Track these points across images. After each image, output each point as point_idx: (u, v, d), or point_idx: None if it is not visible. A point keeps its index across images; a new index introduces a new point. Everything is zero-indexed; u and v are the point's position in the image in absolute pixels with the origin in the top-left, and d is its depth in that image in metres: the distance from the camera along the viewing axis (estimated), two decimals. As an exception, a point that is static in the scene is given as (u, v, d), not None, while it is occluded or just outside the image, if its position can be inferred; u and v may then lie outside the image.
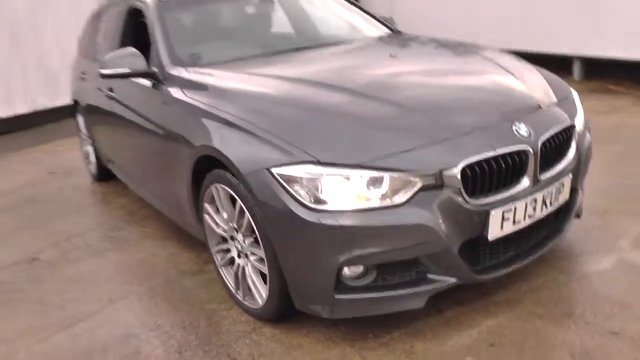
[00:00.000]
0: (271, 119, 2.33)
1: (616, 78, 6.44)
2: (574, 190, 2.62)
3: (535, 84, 2.69)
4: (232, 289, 2.71)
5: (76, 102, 4.81)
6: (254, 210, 2.27)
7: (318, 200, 2.08)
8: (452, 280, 2.22)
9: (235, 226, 2.51)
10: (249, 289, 2.59)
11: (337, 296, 2.16)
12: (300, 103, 2.42)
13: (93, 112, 4.25)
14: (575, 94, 2.89)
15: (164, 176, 3.09)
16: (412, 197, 2.08)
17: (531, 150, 2.27)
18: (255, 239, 2.43)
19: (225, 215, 2.56)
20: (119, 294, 2.95)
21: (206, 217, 2.73)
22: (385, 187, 2.07)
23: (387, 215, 2.08)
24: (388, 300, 2.19)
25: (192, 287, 2.94)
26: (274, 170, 2.15)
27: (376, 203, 2.08)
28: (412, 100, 2.39)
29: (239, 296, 2.65)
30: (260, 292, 2.46)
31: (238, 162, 2.26)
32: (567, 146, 2.54)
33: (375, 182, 2.07)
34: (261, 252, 2.34)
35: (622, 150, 4.27)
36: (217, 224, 2.68)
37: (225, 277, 2.76)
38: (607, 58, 6.39)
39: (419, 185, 2.08)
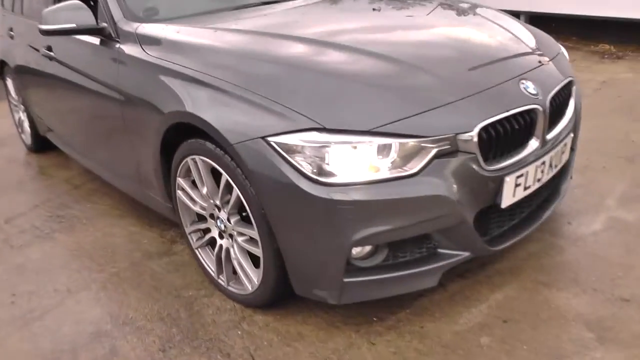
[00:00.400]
0: (260, 79, 2.01)
1: (565, 34, 6.46)
2: (571, 150, 2.51)
3: (531, 42, 2.51)
4: (212, 273, 2.43)
5: (3, 63, 4.21)
6: (245, 185, 1.98)
7: (323, 173, 1.82)
8: (466, 254, 2.05)
9: (218, 203, 2.21)
10: (234, 273, 2.32)
11: (345, 279, 1.93)
12: (290, 61, 2.11)
13: (26, 74, 3.71)
14: (564, 51, 2.75)
15: (121, 146, 2.71)
16: (426, 166, 1.86)
17: (540, 109, 2.10)
18: (244, 217, 2.15)
19: (204, 191, 2.25)
20: (79, 283, 2.60)
21: (179, 193, 2.41)
22: (396, 155, 1.84)
23: (401, 186, 1.85)
24: (400, 281, 1.99)
25: (162, 272, 2.62)
26: (272, 140, 1.86)
27: (389, 174, 1.85)
28: (414, 58, 2.15)
29: (222, 281, 2.37)
30: (250, 277, 2.20)
31: (226, 130, 1.95)
32: (566, 104, 2.40)
33: (386, 150, 1.83)
34: (252, 232, 2.07)
35: (588, 104, 4.25)
36: (193, 200, 2.37)
37: (204, 259, 2.47)
38: (553, 14, 6.47)
39: (433, 151, 1.86)
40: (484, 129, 1.94)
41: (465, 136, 1.90)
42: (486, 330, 2.09)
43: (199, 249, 2.48)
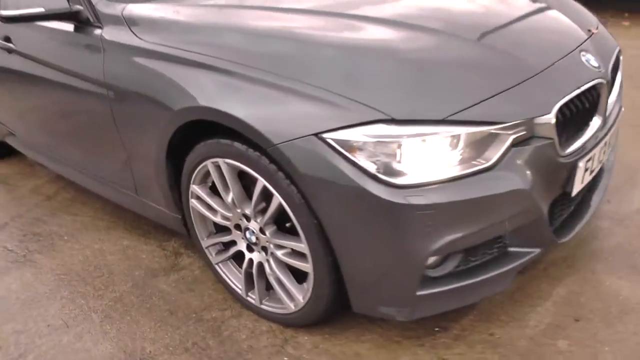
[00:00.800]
0: (304, 65, 1.68)
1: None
2: (615, 123, 2.33)
3: (576, 14, 2.29)
4: (238, 290, 2.11)
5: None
6: (290, 192, 1.67)
7: (392, 172, 1.54)
8: (537, 250, 1.82)
9: (248, 212, 1.88)
10: (267, 290, 2.02)
11: (419, 293, 1.66)
12: (334, 42, 1.78)
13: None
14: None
15: (109, 149, 2.31)
16: (502, 157, 1.61)
17: (604, 83, 1.89)
18: (282, 228, 1.84)
19: (229, 199, 1.92)
20: (76, 314, 2.21)
21: (194, 202, 2.06)
22: (471, 146, 1.58)
23: (480, 183, 1.59)
24: (473, 288, 1.74)
25: (174, 292, 2.27)
26: (328, 136, 1.55)
27: (465, 169, 1.58)
28: (473, 33, 1.87)
29: (252, 299, 2.06)
30: (293, 294, 1.89)
31: (266, 129, 1.62)
32: (615, 74, 2.20)
33: (460, 141, 1.57)
34: (297, 245, 1.76)
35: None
36: (212, 210, 2.03)
37: (227, 276, 2.14)
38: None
39: (509, 139, 1.61)
40: (559, 109, 1.70)
41: (544, 119, 1.66)
42: (560, 332, 1.89)
43: (220, 265, 2.15)
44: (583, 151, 1.83)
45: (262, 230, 1.89)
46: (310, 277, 1.79)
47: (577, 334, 1.87)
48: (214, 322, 2.08)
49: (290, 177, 1.66)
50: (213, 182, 1.98)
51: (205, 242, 2.14)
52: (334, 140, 1.55)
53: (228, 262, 2.14)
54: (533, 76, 1.73)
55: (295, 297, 1.89)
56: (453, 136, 1.55)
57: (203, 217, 2.11)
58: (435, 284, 1.68)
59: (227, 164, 1.82)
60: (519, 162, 1.63)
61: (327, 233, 1.64)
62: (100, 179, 2.55)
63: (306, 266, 1.79)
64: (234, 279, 2.13)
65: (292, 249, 1.85)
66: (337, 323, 1.98)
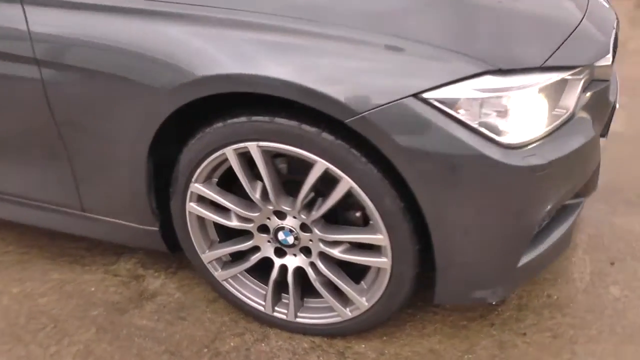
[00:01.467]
0: (383, 14, 1.32)
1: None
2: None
3: None
4: (259, 307, 1.68)
5: None
6: (367, 172, 1.32)
7: (502, 131, 1.29)
8: (582, 200, 1.72)
9: (287, 208, 1.48)
10: (301, 299, 1.65)
11: (520, 264, 1.45)
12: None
13: None
14: None
15: (39, 156, 1.68)
16: (577, 103, 1.46)
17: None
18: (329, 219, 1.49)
19: (258, 194, 1.48)
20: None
21: (194, 207, 1.57)
22: (556, 95, 1.39)
23: (571, 133, 1.42)
24: (554, 247, 1.57)
25: (159, 325, 1.75)
26: (430, 96, 1.23)
27: (555, 120, 1.40)
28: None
29: (283, 314, 1.66)
30: (353, 297, 1.54)
31: (347, 95, 1.24)
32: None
33: (559, 88, 1.38)
34: (370, 237, 1.43)
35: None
36: (224, 212, 1.57)
37: (241, 292, 1.70)
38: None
39: (580, 84, 1.45)
40: None
41: (604, 60, 1.54)
42: (605, 278, 1.85)
43: (230, 280, 1.69)
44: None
45: (303, 228, 1.51)
46: (387, 274, 1.47)
47: (621, 277, 1.85)
48: (237, 352, 1.64)
49: (368, 153, 1.31)
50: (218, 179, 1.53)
51: (206, 256, 1.66)
52: (437, 100, 1.24)
53: (239, 275, 1.69)
54: (580, 23, 1.60)
55: (357, 301, 1.55)
56: (552, 84, 1.34)
57: (203, 225, 1.64)
58: (532, 251, 1.49)
59: (262, 147, 1.39)
60: (587, 108, 1.50)
61: (425, 214, 1.33)
62: (15, 197, 1.85)
63: (378, 261, 1.46)
64: (251, 294, 1.69)
65: (350, 245, 1.50)
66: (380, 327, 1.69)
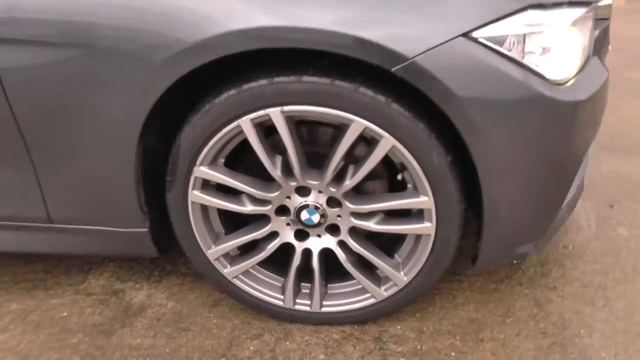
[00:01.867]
0: None
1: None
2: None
3: None
4: (277, 302, 1.49)
5: None
6: (413, 127, 1.18)
7: (544, 67, 1.20)
8: None
9: (314, 182, 1.30)
10: (324, 285, 1.48)
11: (561, 210, 1.39)
12: None
13: None
14: None
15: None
16: (592, 40, 1.43)
17: None
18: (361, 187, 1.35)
19: (278, 170, 1.29)
20: None
21: (199, 195, 1.35)
22: (587, 30, 1.35)
23: (594, 71, 1.38)
24: (576, 195, 1.52)
25: (159, 342, 1.49)
26: (479, 35, 1.12)
27: (587, 55, 1.35)
28: None
29: (306, 305, 1.48)
30: (391, 274, 1.40)
31: (392, 39, 1.09)
32: None
33: (583, 24, 1.32)
34: (412, 201, 1.29)
35: None
36: (236, 199, 1.37)
37: (254, 289, 1.49)
38: None
39: (592, 21, 1.42)
40: None
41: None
42: (610, 221, 1.86)
43: (242, 277, 1.48)
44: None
45: (329, 203, 1.34)
46: (426, 242, 1.33)
47: (623, 217, 1.87)
48: (260, 355, 1.44)
49: (410, 107, 1.18)
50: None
51: (213, 252, 1.44)
52: (486, 38, 1.13)
53: (251, 269, 1.48)
54: None
55: (394, 277, 1.40)
56: (580, 19, 1.28)
57: (207, 217, 1.42)
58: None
59: (286, 113, 1.20)
60: (596, 45, 1.47)
61: (477, 163, 1.21)
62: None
63: (421, 227, 1.32)
64: (267, 289, 1.49)
65: (384, 215, 1.36)
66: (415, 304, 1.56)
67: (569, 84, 1.24)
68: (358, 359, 1.41)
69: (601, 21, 1.53)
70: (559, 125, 1.22)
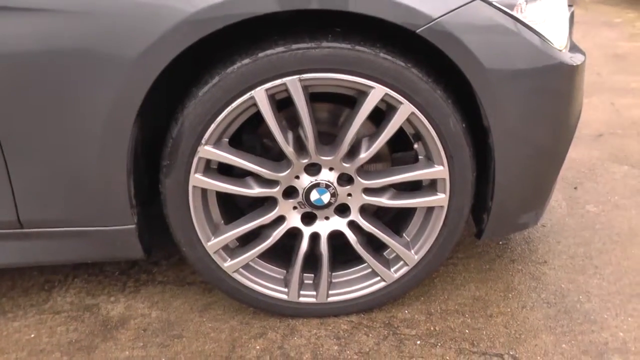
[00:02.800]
0: None
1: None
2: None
3: None
4: (280, 295, 1.39)
5: None
6: (430, 92, 1.18)
7: (549, 34, 1.26)
8: None
9: (325, 157, 1.25)
10: (333, 271, 1.41)
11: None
12: None
13: None
14: None
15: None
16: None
17: None
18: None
19: (290, 146, 1.22)
20: None
21: (200, 179, 1.24)
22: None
23: (577, 47, 1.48)
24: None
25: (153, 351, 1.34)
26: (495, -2, 1.15)
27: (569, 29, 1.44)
28: None
29: (311, 297, 1.40)
30: (403, 253, 1.36)
31: (415, 1, 1.08)
32: None
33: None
34: (427, 171, 1.28)
35: None
36: (242, 182, 1.28)
37: (255, 282, 1.39)
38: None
39: None
40: None
41: None
42: (578, 201, 1.95)
43: (242, 270, 1.37)
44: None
45: (340, 181, 1.29)
46: (438, 215, 1.32)
47: (589, 197, 1.97)
48: (269, 353, 1.33)
49: (430, 71, 1.17)
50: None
51: (213, 244, 1.32)
52: (500, 2, 1.16)
53: (250, 262, 1.38)
54: None
55: (405, 256, 1.36)
56: None
57: (206, 205, 1.31)
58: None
59: (305, 81, 1.15)
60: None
61: (492, 129, 1.21)
62: None
63: (434, 200, 1.30)
64: (269, 282, 1.39)
65: (395, 190, 1.33)
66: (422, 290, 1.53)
67: (564, 51, 1.30)
68: (374, 346, 1.35)
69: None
70: (563, 88, 1.27)
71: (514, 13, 1.17)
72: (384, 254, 1.41)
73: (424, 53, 1.18)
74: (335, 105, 1.38)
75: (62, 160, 1.21)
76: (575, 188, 2.01)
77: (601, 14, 4.47)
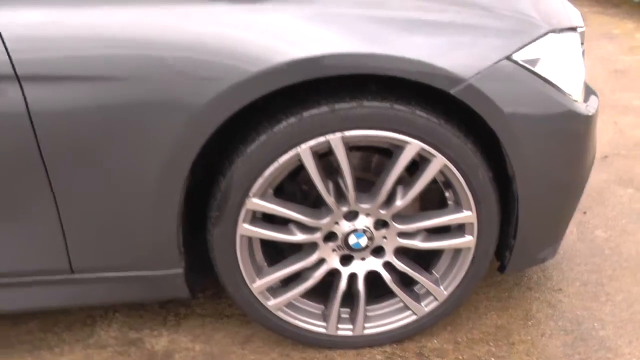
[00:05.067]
0: None
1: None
2: None
3: None
4: (320, 329, 1.49)
5: None
6: (462, 146, 1.28)
7: (566, 85, 1.36)
8: None
9: (367, 206, 1.35)
10: (366, 307, 1.51)
11: (571, 215, 1.55)
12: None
13: None
14: None
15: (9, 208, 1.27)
16: None
17: None
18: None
19: (331, 197, 1.32)
20: None
21: (248, 228, 1.33)
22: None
23: (591, 91, 1.58)
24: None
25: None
26: (518, 57, 1.25)
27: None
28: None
29: (348, 330, 1.50)
30: (432, 289, 1.47)
31: (449, 62, 1.18)
32: None
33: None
34: (456, 216, 1.38)
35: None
36: (286, 229, 1.37)
37: (298, 319, 1.48)
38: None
39: None
40: None
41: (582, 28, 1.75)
42: (588, 225, 2.05)
43: (285, 308, 1.46)
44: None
45: (378, 225, 1.39)
46: (466, 255, 1.42)
47: (597, 221, 2.05)
48: (311, 387, 1.43)
49: (463, 125, 1.28)
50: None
51: (258, 285, 1.41)
52: (523, 60, 1.26)
53: (294, 302, 1.47)
54: None
55: (435, 291, 1.47)
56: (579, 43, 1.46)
57: (251, 250, 1.40)
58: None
59: (347, 138, 1.24)
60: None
61: (517, 177, 1.32)
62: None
63: (463, 242, 1.40)
64: (309, 318, 1.49)
65: (426, 233, 1.43)
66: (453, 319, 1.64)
67: (579, 100, 1.40)
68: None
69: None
70: (579, 137, 1.38)
71: (535, 70, 1.27)
72: (415, 289, 1.51)
73: (451, 105, 1.28)
74: (367, 152, 1.47)
75: (116, 212, 1.29)
76: (585, 212, 2.11)
77: (600, 25, 4.57)
